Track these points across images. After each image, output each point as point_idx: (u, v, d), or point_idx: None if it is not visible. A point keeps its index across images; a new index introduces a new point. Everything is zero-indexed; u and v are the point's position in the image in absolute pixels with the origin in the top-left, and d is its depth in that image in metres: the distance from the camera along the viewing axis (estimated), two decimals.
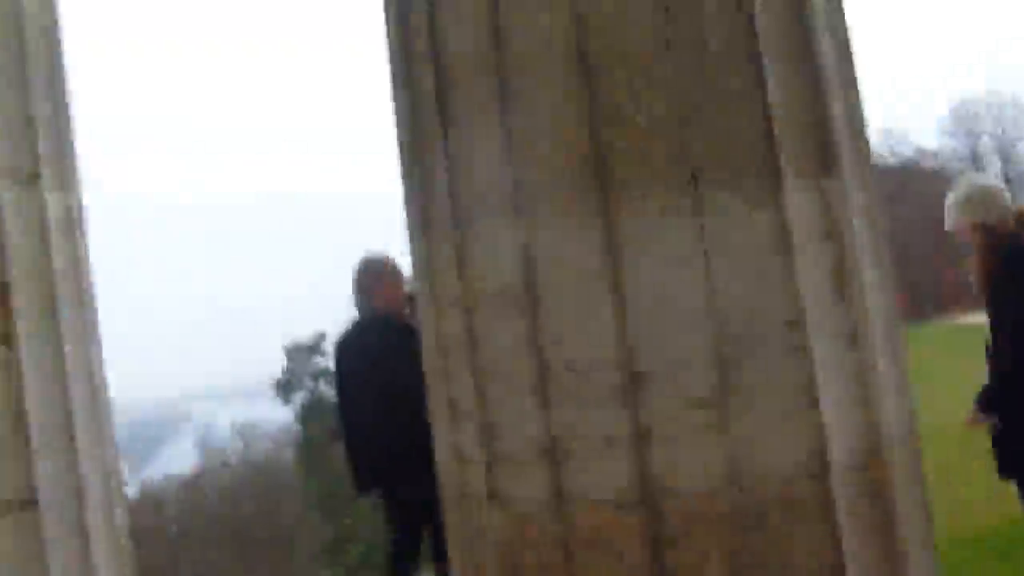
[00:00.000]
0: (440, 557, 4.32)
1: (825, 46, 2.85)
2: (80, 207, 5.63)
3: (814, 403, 2.63)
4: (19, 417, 4.91)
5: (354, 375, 4.37)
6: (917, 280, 40.29)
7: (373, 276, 4.10)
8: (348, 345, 4.44)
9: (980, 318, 5.80)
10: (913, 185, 45.79)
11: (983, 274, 4.36)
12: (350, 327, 4.49)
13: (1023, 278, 4.34)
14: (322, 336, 41.70)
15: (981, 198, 4.50)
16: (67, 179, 5.49)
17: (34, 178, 5.19)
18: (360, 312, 4.32)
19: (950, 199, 4.76)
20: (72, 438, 5.16)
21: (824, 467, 2.63)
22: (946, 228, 4.58)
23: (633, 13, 2.67)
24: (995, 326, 4.68)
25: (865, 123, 3.05)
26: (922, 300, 42.53)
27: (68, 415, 5.17)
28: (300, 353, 42.22)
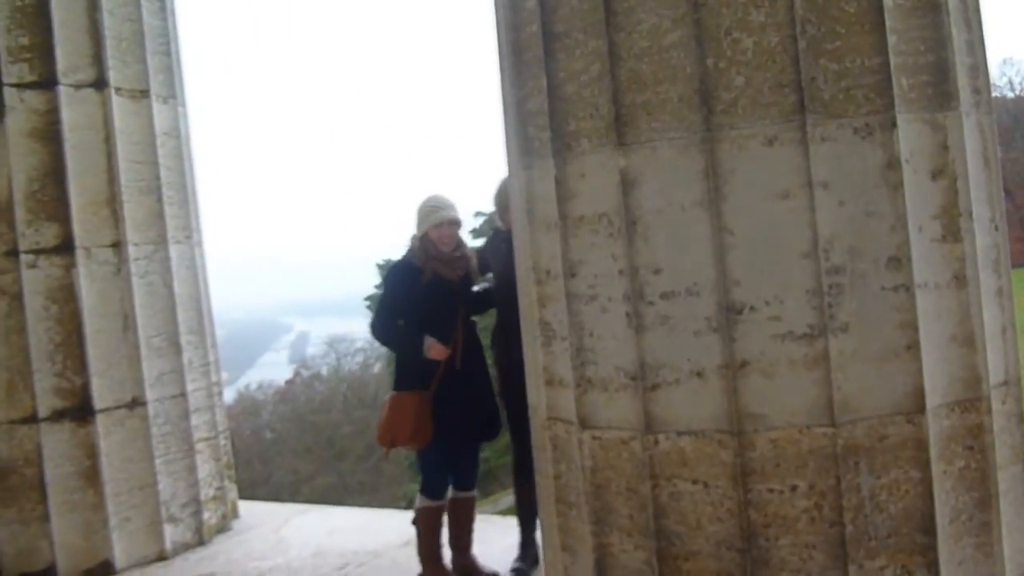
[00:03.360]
0: (522, 474, 4.43)
1: None
2: (186, 118, 5.78)
3: (914, 343, 2.57)
4: (127, 320, 5.15)
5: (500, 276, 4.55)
6: None
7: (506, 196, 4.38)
8: (493, 249, 4.59)
9: None
10: None
11: None
12: (493, 235, 4.71)
13: None
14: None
15: None
16: (174, 91, 5.63)
17: (143, 93, 5.34)
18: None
19: None
20: (177, 343, 5.41)
21: (920, 409, 2.58)
22: None
23: None
24: None
25: (986, 56, 2.91)
26: None
27: (174, 320, 5.40)
28: None
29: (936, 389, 2.61)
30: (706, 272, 2.58)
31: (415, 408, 4.40)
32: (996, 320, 2.78)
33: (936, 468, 2.60)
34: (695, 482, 2.64)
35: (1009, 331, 2.86)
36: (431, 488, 4.62)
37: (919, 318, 2.57)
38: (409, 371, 4.55)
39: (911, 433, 2.58)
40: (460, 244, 4.58)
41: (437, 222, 4.47)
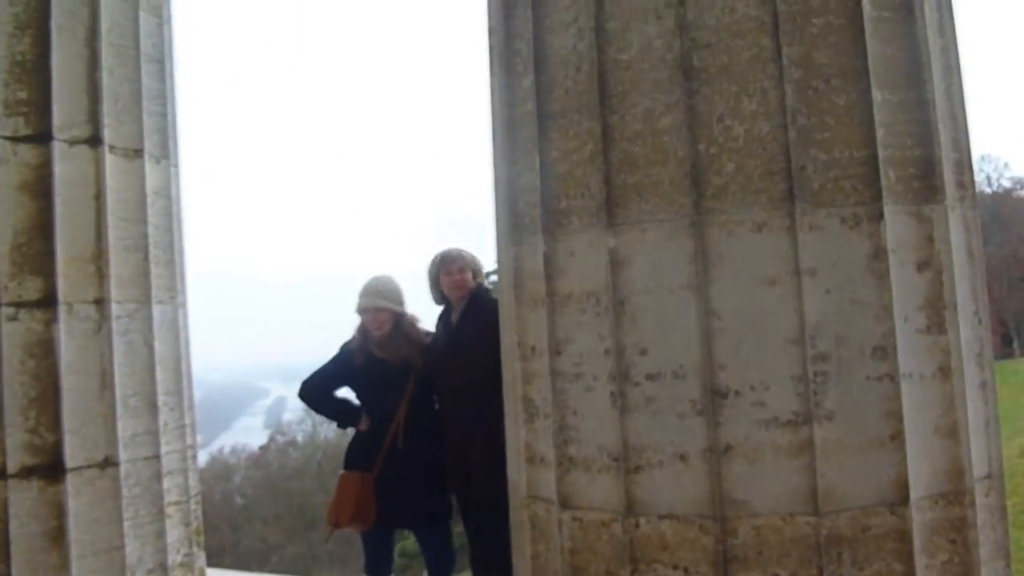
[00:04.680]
0: (482, 566, 4.38)
1: (935, 71, 2.77)
2: (178, 179, 5.79)
3: (899, 434, 2.56)
4: (105, 378, 5.07)
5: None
6: (1002, 316, 39.03)
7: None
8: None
9: None
10: (1004, 215, 44.31)
11: None
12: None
13: None
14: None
15: None
16: (168, 152, 5.65)
17: (137, 152, 5.36)
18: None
19: None
20: (154, 404, 5.32)
21: (904, 500, 2.56)
22: None
23: (738, 26, 2.64)
24: None
25: (971, 152, 2.97)
26: (1007, 336, 41.11)
27: (152, 380, 5.33)
28: None
29: (920, 480, 2.60)
30: (692, 355, 2.57)
31: (356, 490, 4.43)
32: (980, 413, 2.78)
33: (919, 561, 2.57)
34: (675, 567, 2.59)
35: (992, 424, 2.86)
36: (370, 566, 4.65)
37: (904, 408, 2.57)
38: (354, 449, 4.60)
39: (894, 524, 2.56)
40: (399, 325, 4.60)
41: (361, 308, 4.59)
